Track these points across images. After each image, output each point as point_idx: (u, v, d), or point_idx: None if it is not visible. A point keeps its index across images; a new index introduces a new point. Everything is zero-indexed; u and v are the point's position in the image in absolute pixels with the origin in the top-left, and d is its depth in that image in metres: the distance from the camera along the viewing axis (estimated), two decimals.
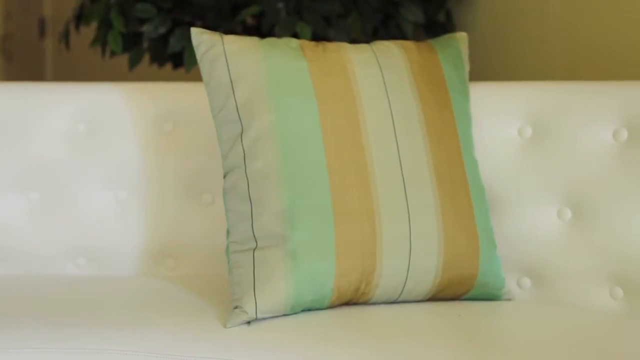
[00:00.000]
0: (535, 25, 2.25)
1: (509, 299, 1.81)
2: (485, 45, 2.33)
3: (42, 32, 4.50)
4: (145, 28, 2.23)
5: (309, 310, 1.68)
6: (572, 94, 1.83)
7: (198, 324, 1.62)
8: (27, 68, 4.57)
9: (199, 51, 1.72)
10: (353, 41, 2.17)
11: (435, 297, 1.76)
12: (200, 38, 1.72)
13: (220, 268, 1.90)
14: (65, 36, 2.43)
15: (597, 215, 1.77)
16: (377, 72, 1.75)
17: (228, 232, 1.70)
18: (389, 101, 1.74)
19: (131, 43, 2.29)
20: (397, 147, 1.72)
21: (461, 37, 1.87)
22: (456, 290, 1.76)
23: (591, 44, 2.15)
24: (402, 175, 1.71)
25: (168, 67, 2.70)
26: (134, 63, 2.29)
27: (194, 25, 2.25)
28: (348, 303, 1.72)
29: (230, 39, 1.72)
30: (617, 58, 2.11)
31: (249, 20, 2.36)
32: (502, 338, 1.61)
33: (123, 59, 2.95)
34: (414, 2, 2.28)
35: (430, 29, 2.35)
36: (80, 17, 2.37)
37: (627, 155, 1.76)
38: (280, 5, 2.18)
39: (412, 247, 1.69)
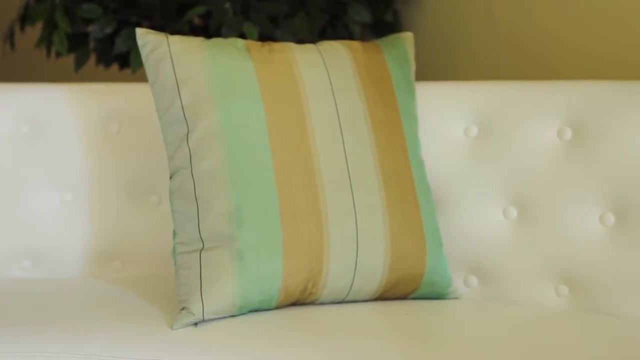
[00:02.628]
0: (482, 25, 2.27)
1: (455, 298, 1.82)
2: (432, 45, 2.35)
3: None
4: (91, 28, 2.21)
5: (257, 311, 1.67)
6: (517, 93, 1.84)
7: (144, 325, 1.61)
8: None
9: (144, 51, 1.71)
10: (300, 41, 2.17)
11: (383, 297, 1.76)
12: (146, 38, 1.72)
13: (168, 269, 1.89)
14: (10, 36, 2.41)
15: (542, 213, 1.78)
16: (324, 73, 1.76)
17: (174, 233, 1.69)
18: (335, 101, 1.74)
19: (77, 44, 2.28)
20: (344, 148, 1.72)
21: (407, 37, 1.88)
22: (403, 289, 1.76)
23: (536, 43, 2.17)
24: (349, 175, 1.71)
25: (115, 67, 2.68)
26: (80, 64, 2.27)
27: (140, 25, 2.24)
28: (295, 303, 1.72)
29: (176, 39, 1.72)
30: (562, 57, 2.13)
31: (196, 21, 2.35)
32: (448, 336, 1.62)
33: (70, 60, 2.93)
34: (361, 2, 2.28)
35: (378, 29, 2.36)
36: (25, 18, 2.35)
37: (571, 154, 1.77)
38: (227, 5, 2.17)
39: (359, 247, 1.70)
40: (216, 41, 1.74)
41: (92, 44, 2.27)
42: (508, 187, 1.81)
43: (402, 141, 1.79)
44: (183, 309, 1.63)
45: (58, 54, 2.29)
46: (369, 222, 1.70)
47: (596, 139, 1.76)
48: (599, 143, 1.75)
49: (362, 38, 2.31)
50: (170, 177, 1.70)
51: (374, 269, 1.71)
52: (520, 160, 1.80)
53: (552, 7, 2.15)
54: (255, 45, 1.76)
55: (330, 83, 1.75)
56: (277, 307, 1.69)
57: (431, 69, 2.32)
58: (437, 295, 1.80)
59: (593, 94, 1.79)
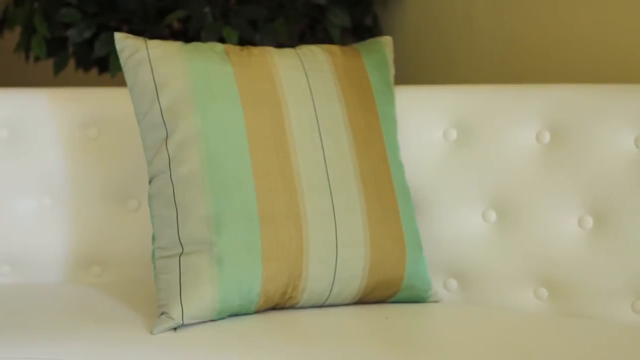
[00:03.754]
0: (461, 29, 2.27)
1: (435, 301, 1.82)
2: (411, 49, 2.35)
3: None
4: (70, 33, 2.20)
5: (236, 315, 1.67)
6: (496, 97, 1.85)
7: (124, 330, 1.61)
8: None
9: (123, 56, 1.71)
10: (280, 45, 2.17)
11: (363, 300, 1.76)
12: (124, 43, 1.71)
13: (147, 274, 1.88)
14: None
15: (521, 216, 1.79)
16: (303, 77, 1.76)
17: (154, 238, 1.69)
18: (314, 106, 1.74)
19: (56, 48, 2.27)
20: (323, 152, 1.72)
21: (386, 41, 1.88)
22: (383, 293, 1.76)
23: (515, 47, 2.18)
24: (328, 179, 1.71)
25: (94, 72, 2.68)
26: (59, 68, 2.26)
27: (119, 30, 2.23)
28: (275, 307, 1.71)
29: (154, 43, 1.71)
30: (541, 61, 2.14)
31: (176, 25, 2.34)
32: (428, 340, 1.62)
33: (49, 64, 2.92)
34: (340, 6, 2.28)
35: (357, 33, 2.36)
36: (4, 22, 2.34)
37: (550, 157, 1.78)
38: (207, 9, 2.17)
39: (339, 251, 1.70)
40: (195, 45, 1.74)
41: (71, 48, 2.27)
42: (487, 190, 1.82)
43: (382, 145, 1.79)
44: (163, 313, 1.63)
45: (37, 59, 2.29)
46: (348, 226, 1.71)
47: (575, 143, 1.76)
48: (578, 146, 1.76)
49: (342, 42, 2.31)
50: (150, 182, 1.70)
51: (354, 273, 1.72)
52: (499, 163, 1.81)
53: (531, 11, 2.15)
54: (234, 49, 1.76)
55: (310, 87, 1.75)
56: (257, 312, 1.69)
57: (411, 72, 2.33)
58: (417, 298, 1.80)
59: (571, 98, 1.80)
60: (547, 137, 1.79)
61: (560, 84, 1.84)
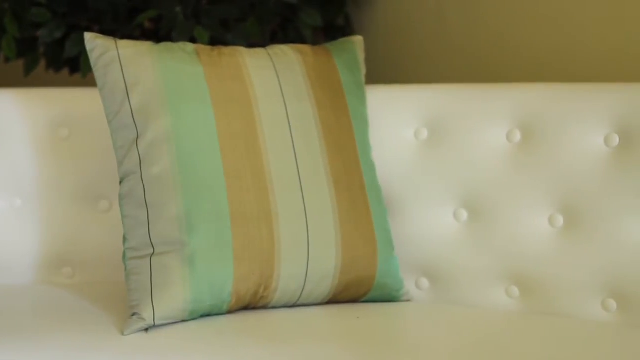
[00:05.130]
0: (433, 28, 2.28)
1: (407, 300, 1.82)
2: (383, 49, 2.35)
3: None
4: (41, 33, 2.19)
5: (208, 315, 1.67)
6: (467, 96, 1.85)
7: (95, 332, 1.60)
8: None
9: (93, 56, 1.71)
10: (251, 45, 2.17)
11: (335, 300, 1.76)
12: (94, 43, 1.71)
13: (120, 275, 1.87)
14: None
15: (492, 215, 1.79)
16: (274, 77, 1.75)
17: (125, 239, 1.68)
18: (285, 105, 1.74)
19: (26, 48, 2.26)
20: (294, 151, 1.72)
21: (357, 41, 1.88)
22: (355, 292, 1.77)
23: (487, 46, 2.19)
24: (300, 178, 1.71)
25: (65, 72, 2.66)
26: (29, 68, 2.25)
27: (90, 30, 2.22)
28: (247, 307, 1.71)
29: (124, 43, 1.71)
30: (512, 60, 2.15)
31: (147, 25, 2.34)
32: (400, 339, 1.62)
33: (20, 65, 2.90)
34: (312, 6, 2.28)
35: (330, 32, 2.36)
36: None
37: (520, 156, 1.79)
38: (178, 9, 2.16)
39: (310, 250, 1.70)
40: (165, 45, 1.74)
41: (41, 49, 2.26)
42: (459, 189, 1.82)
43: (353, 144, 1.79)
44: (134, 314, 1.62)
45: (7, 59, 2.27)
46: (320, 225, 1.71)
47: (545, 141, 1.77)
48: (548, 145, 1.77)
49: (314, 42, 2.31)
50: (120, 182, 1.70)
51: (326, 273, 1.72)
52: (471, 162, 1.81)
53: (502, 10, 2.16)
54: (204, 49, 1.75)
55: (280, 87, 1.75)
56: (229, 312, 1.69)
57: (383, 72, 2.33)
58: (389, 297, 1.80)
59: (542, 97, 1.80)
60: (518, 136, 1.80)
61: (531, 83, 1.84)
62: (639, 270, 1.69)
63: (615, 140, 1.73)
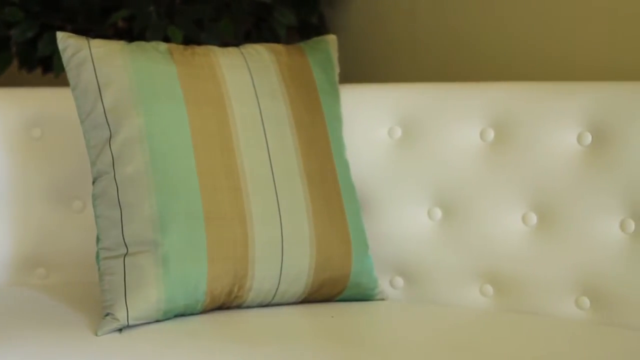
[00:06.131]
0: (406, 27, 2.28)
1: (382, 299, 1.83)
2: (357, 48, 2.35)
3: None
4: (13, 32, 2.18)
5: (182, 315, 1.67)
6: (440, 95, 1.86)
7: (68, 332, 1.59)
8: None
9: (65, 55, 1.70)
10: (225, 45, 2.16)
11: (309, 299, 1.76)
12: (66, 42, 1.70)
13: (94, 275, 1.87)
14: None
15: (466, 214, 1.80)
16: (247, 76, 1.75)
17: (98, 239, 1.68)
18: (258, 105, 1.74)
19: None
20: (268, 150, 1.72)
21: (331, 40, 1.88)
22: (329, 291, 1.77)
23: (460, 45, 2.19)
24: (273, 178, 1.71)
25: (38, 72, 2.65)
26: (1, 68, 2.24)
27: (63, 29, 2.21)
28: (221, 307, 1.71)
29: (97, 42, 1.70)
30: (485, 59, 2.15)
31: (121, 24, 2.33)
32: (374, 338, 1.63)
33: None
34: (286, 5, 2.28)
35: (304, 31, 2.36)
36: None
37: (494, 155, 1.79)
38: (152, 8, 2.16)
39: (284, 250, 1.70)
40: (138, 45, 1.73)
41: (14, 48, 2.24)
42: (432, 188, 1.82)
43: (327, 143, 1.79)
44: (107, 314, 1.62)
45: None
46: (294, 224, 1.70)
47: (518, 140, 1.78)
48: (521, 144, 1.77)
49: (288, 41, 2.31)
50: (93, 182, 1.69)
51: (300, 272, 1.71)
52: (444, 161, 1.81)
53: (475, 9, 2.17)
54: (177, 48, 1.75)
55: (254, 86, 1.75)
56: (203, 312, 1.69)
57: (357, 71, 2.33)
58: (363, 296, 1.80)
59: (515, 96, 1.81)
60: (491, 135, 1.80)
61: (504, 82, 1.85)
62: (612, 268, 1.69)
63: (588, 138, 1.73)
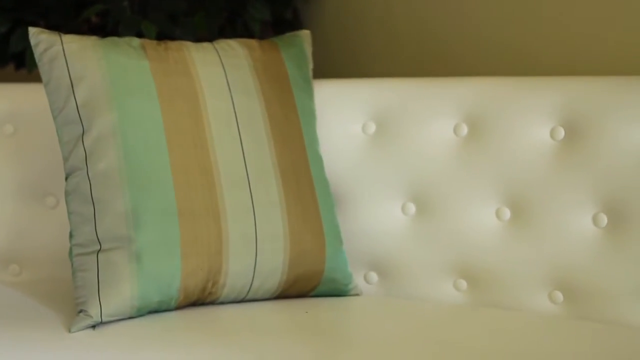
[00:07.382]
0: (381, 21, 2.28)
1: (356, 294, 1.83)
2: (332, 42, 2.35)
3: None
4: None
5: (156, 312, 1.66)
6: (415, 90, 1.86)
7: (41, 329, 1.59)
8: None
9: (38, 51, 1.69)
10: (200, 40, 2.16)
11: (283, 295, 1.76)
12: (38, 37, 1.69)
13: (67, 272, 1.86)
14: None
15: (439, 209, 1.80)
16: (220, 71, 1.75)
17: (71, 235, 1.67)
18: (232, 100, 1.74)
19: None
20: (242, 146, 1.72)
21: (305, 35, 1.88)
22: (303, 287, 1.77)
23: (435, 39, 2.19)
24: (247, 173, 1.71)
25: (11, 67, 2.63)
26: None
27: (36, 24, 2.20)
28: (196, 303, 1.71)
29: (69, 38, 1.69)
30: (461, 53, 2.16)
31: (94, 19, 2.32)
32: (348, 333, 1.63)
33: None
34: (260, 0, 2.27)
35: (278, 26, 2.35)
36: None
37: (467, 150, 1.80)
38: (125, 3, 2.15)
39: (258, 246, 1.70)
40: (111, 40, 1.72)
41: None
42: (407, 183, 1.83)
43: (300, 138, 1.79)
44: (81, 311, 1.61)
45: None
46: (267, 220, 1.70)
47: (491, 135, 1.78)
48: (495, 138, 1.78)
49: (262, 36, 2.31)
50: (66, 179, 1.68)
51: (274, 267, 1.71)
52: (418, 156, 1.82)
53: (449, 5, 2.17)
54: (151, 43, 1.74)
55: (227, 81, 1.75)
56: (177, 308, 1.68)
57: (332, 66, 2.33)
58: (337, 292, 1.80)
59: (489, 90, 1.81)
60: (464, 129, 1.81)
61: (477, 77, 1.85)
62: (584, 262, 1.70)
63: (561, 133, 1.74)
